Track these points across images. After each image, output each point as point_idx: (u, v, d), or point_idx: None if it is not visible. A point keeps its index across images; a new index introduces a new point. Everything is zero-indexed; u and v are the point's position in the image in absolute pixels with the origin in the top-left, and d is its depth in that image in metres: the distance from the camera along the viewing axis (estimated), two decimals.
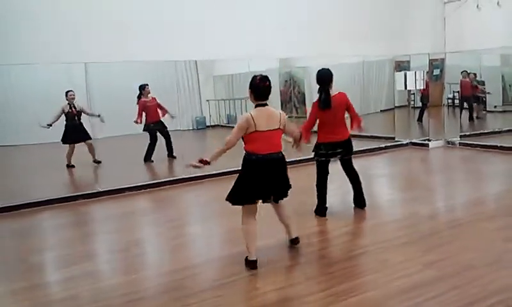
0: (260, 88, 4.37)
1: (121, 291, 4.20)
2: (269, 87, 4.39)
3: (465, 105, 13.19)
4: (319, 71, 5.69)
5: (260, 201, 4.55)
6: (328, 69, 5.73)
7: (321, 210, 6.00)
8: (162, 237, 5.82)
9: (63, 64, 8.76)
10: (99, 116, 9.33)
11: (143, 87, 9.72)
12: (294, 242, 4.90)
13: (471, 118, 13.18)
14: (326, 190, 6.00)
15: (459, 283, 3.89)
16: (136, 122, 9.60)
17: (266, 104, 4.40)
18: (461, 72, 12.76)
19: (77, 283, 4.43)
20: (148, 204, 7.65)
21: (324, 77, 5.64)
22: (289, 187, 4.68)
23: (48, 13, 8.84)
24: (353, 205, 6.23)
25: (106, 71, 9.54)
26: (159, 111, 9.84)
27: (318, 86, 5.68)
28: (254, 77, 4.40)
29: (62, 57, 8.54)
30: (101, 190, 7.81)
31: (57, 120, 9.11)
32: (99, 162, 9.54)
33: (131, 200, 7.63)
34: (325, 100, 5.58)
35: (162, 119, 9.92)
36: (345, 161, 6.07)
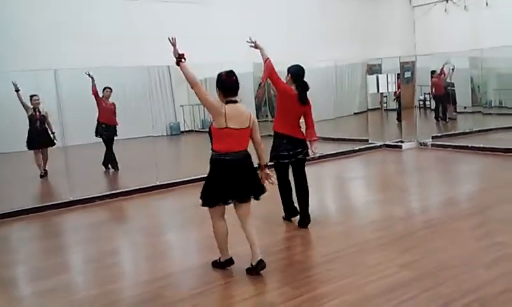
0: (227, 83, 4.26)
1: (97, 303, 4.10)
2: (237, 82, 4.27)
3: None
4: (293, 66, 5.56)
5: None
6: (300, 65, 5.60)
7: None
8: (137, 246, 5.71)
9: (32, 71, 8.61)
10: (53, 133, 9.20)
11: (103, 89, 9.60)
12: (257, 267, 4.31)
13: (444, 118, 13.43)
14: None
15: (435, 283, 3.93)
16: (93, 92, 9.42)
17: (236, 101, 4.27)
18: (431, 72, 13.00)
19: (52, 296, 4.30)
20: (121, 213, 7.52)
21: (302, 72, 5.52)
22: (261, 187, 4.46)
23: (20, 21, 8.71)
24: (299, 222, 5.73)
25: (76, 78, 9.38)
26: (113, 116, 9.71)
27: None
28: (219, 74, 4.29)
29: (32, 64, 8.39)
30: (73, 199, 7.63)
31: (21, 101, 8.85)
32: (45, 174, 9.39)
33: (103, 209, 7.48)
34: (304, 96, 5.44)
35: (116, 126, 9.76)
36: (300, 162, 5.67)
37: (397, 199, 6.95)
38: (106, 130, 9.62)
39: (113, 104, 9.71)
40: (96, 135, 9.68)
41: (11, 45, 8.50)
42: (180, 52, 4.21)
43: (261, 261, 4.32)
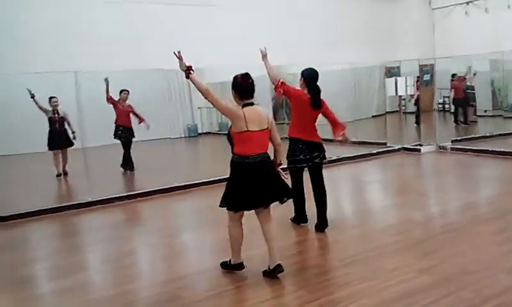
0: (243, 86, 4.24)
1: (114, 303, 4.13)
2: (253, 84, 4.26)
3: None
4: (306, 69, 5.52)
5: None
6: (314, 68, 5.56)
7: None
8: (154, 247, 5.74)
9: (54, 73, 8.74)
10: (73, 132, 9.37)
11: (120, 91, 9.67)
12: (274, 271, 4.30)
13: (465, 121, 13.22)
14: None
15: (455, 288, 3.87)
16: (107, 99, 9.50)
17: (253, 103, 4.27)
18: (452, 75, 12.82)
19: (69, 295, 4.35)
20: (139, 213, 7.57)
21: (315, 75, 5.47)
22: (288, 189, 4.50)
23: (41, 23, 8.86)
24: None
25: (96, 80, 9.49)
26: (132, 117, 9.75)
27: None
28: (235, 77, 4.27)
29: (53, 67, 8.52)
30: (91, 200, 7.71)
31: (38, 105, 9.01)
32: (65, 174, 9.48)
33: (121, 210, 7.55)
34: (317, 100, 5.39)
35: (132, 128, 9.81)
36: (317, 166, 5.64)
37: (415, 203, 6.86)
38: (124, 132, 9.71)
39: (130, 106, 9.78)
40: (114, 138, 9.78)
41: (29, 46, 8.65)
42: (188, 64, 4.18)
43: (279, 265, 4.30)
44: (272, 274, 4.31)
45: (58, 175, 9.54)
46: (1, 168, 9.29)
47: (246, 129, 4.16)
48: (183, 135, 14.72)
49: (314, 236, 5.53)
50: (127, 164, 9.81)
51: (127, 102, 9.77)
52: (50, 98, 9.26)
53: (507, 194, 7.02)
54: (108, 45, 9.27)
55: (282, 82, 5.43)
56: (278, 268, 4.29)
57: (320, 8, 11.89)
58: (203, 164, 11.53)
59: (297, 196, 5.63)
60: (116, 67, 9.14)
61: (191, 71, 4.18)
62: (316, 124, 5.61)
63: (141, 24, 9.79)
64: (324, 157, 5.64)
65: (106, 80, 9.08)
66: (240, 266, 4.47)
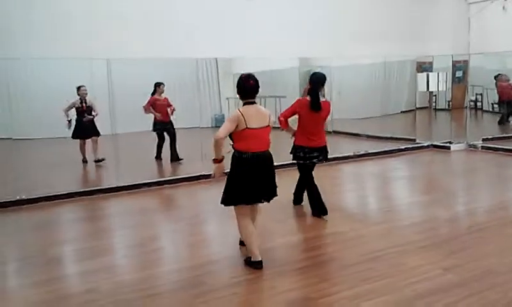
0: (244, 87, 4.39)
1: (139, 285, 4.23)
2: (254, 85, 4.38)
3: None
4: (314, 73, 5.87)
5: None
6: (323, 73, 5.90)
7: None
8: (179, 233, 5.84)
9: (86, 59, 8.90)
10: (96, 114, 9.50)
11: (158, 85, 9.73)
12: (254, 264, 4.42)
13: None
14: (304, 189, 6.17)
15: (480, 289, 3.82)
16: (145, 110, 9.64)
17: (254, 102, 4.42)
18: (496, 76, 12.41)
19: (95, 276, 4.46)
20: (165, 200, 7.70)
21: (320, 79, 5.73)
22: (276, 186, 4.66)
23: (72, 10, 9.00)
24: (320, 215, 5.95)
25: (128, 68, 9.61)
26: (168, 109, 9.83)
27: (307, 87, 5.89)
28: (240, 77, 4.43)
29: (85, 53, 8.66)
30: (119, 185, 7.86)
31: (68, 111, 9.24)
32: (100, 161, 9.55)
33: (148, 196, 7.68)
34: (316, 102, 5.63)
35: (172, 119, 9.88)
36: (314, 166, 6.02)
37: (442, 201, 6.75)
38: (165, 126, 9.76)
39: (166, 98, 9.82)
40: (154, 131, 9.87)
41: (63, 31, 8.78)
42: (216, 160, 4.46)
43: (260, 262, 4.42)
44: (253, 265, 4.43)
45: (84, 161, 9.64)
46: (31, 152, 9.56)
47: (245, 127, 4.29)
48: (210, 125, 14.83)
49: (337, 229, 5.52)
50: (174, 155, 9.85)
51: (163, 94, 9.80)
52: (79, 87, 9.34)
53: None
54: (138, 33, 9.35)
55: (280, 115, 5.84)
56: (259, 265, 4.41)
57: (352, 1, 11.74)
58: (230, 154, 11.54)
59: (309, 190, 5.97)
60: (146, 55, 9.22)
61: (218, 161, 4.46)
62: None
63: (171, 12, 9.85)
64: (324, 159, 5.99)
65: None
66: (257, 264, 4.43)
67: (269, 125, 4.45)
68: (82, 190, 7.75)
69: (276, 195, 4.65)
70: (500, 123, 12.63)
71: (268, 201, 4.63)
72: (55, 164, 9.66)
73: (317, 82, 5.69)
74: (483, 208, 6.39)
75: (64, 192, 7.49)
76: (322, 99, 5.73)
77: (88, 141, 9.62)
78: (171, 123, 9.85)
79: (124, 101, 9.28)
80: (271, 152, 4.56)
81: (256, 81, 4.40)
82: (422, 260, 4.46)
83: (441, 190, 7.46)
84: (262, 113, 4.42)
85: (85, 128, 9.43)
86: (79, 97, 9.40)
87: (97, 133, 9.54)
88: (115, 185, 7.87)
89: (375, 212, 6.49)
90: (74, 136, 9.49)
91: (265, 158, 4.46)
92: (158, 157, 9.99)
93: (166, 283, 4.33)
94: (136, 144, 10.69)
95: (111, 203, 7.39)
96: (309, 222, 5.91)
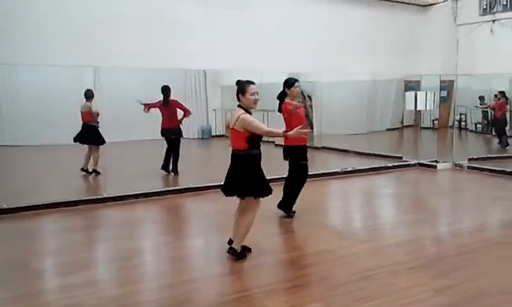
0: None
1: (123, 302, 4.09)
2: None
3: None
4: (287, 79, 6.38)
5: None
6: (291, 78, 6.40)
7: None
8: (167, 248, 5.70)
9: (73, 67, 8.77)
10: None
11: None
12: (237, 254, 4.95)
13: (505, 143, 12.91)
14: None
15: None
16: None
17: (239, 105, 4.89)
18: (496, 94, 12.58)
19: (78, 291, 4.31)
20: (153, 213, 7.53)
21: (285, 83, 6.35)
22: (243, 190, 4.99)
23: (60, 17, 8.87)
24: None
25: (115, 76, 9.51)
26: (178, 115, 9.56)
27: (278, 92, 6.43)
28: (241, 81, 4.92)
29: (72, 61, 8.54)
30: (107, 196, 7.72)
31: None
32: (88, 172, 9.32)
33: (136, 208, 7.52)
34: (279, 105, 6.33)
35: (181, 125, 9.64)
36: None
37: (430, 220, 6.75)
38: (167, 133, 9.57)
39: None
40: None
41: (50, 37, 8.64)
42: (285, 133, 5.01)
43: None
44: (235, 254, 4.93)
45: (82, 169, 9.38)
46: (17, 159, 9.35)
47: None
48: (196, 136, 14.73)
49: (326, 248, 5.45)
50: (170, 164, 9.63)
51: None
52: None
53: None
54: (127, 41, 9.26)
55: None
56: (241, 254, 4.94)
57: (344, 19, 11.85)
58: (211, 167, 11.39)
59: (299, 188, 6.50)
60: (135, 64, 9.13)
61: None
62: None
63: (162, 22, 9.79)
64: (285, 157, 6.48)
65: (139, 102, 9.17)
66: (247, 249, 5.03)
67: (232, 127, 4.82)
68: (69, 200, 7.47)
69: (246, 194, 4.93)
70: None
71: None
72: (42, 171, 9.46)
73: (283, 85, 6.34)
74: (470, 229, 6.39)
75: (51, 202, 7.28)
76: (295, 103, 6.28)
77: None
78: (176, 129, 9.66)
79: (111, 110, 9.18)
80: None
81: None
82: (412, 281, 4.41)
83: (429, 210, 7.48)
84: (233, 116, 4.88)
85: (85, 132, 9.24)
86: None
87: (95, 143, 9.29)
88: (103, 196, 7.72)
89: (362, 230, 6.44)
90: (75, 139, 9.24)
91: (232, 157, 4.90)
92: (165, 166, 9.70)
93: (153, 300, 4.19)
94: (121, 155, 10.54)
95: (98, 214, 7.20)
96: (297, 239, 5.87)
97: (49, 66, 8.49)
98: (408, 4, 12.94)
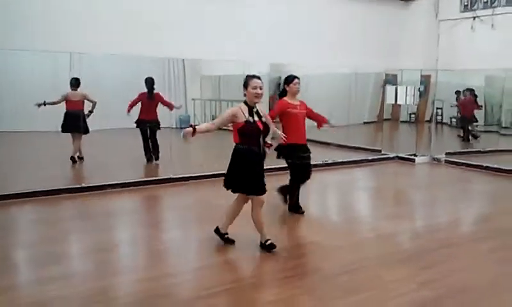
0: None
1: (100, 296, 3.95)
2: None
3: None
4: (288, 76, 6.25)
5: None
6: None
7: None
8: (147, 240, 5.56)
9: (49, 53, 8.52)
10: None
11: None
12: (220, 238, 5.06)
13: (467, 138, 13.16)
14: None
15: (458, 305, 3.82)
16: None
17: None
18: (464, 91, 12.76)
19: (53, 285, 4.12)
20: (133, 204, 7.37)
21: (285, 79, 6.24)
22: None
23: (38, 2, 8.62)
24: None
25: (91, 63, 9.28)
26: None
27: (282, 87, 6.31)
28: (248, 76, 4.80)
29: (48, 46, 8.30)
30: (85, 185, 7.52)
31: (54, 103, 8.81)
32: (74, 161, 9.12)
33: (115, 198, 7.34)
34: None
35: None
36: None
37: (409, 214, 6.85)
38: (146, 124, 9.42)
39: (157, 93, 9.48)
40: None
41: (30, 24, 8.39)
42: (191, 126, 4.51)
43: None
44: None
45: (71, 158, 9.11)
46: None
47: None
48: (174, 126, 14.54)
49: (312, 239, 5.48)
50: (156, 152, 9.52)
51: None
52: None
53: (501, 211, 7.04)
54: (107, 27, 9.05)
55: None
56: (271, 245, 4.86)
57: (326, 12, 11.86)
58: (190, 158, 11.29)
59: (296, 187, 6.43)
60: (115, 51, 8.92)
61: (196, 128, 4.51)
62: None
63: (142, 9, 9.60)
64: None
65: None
66: (230, 240, 5.07)
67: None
68: (45, 189, 7.21)
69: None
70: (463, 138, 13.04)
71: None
72: (20, 160, 9.17)
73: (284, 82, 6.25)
74: (450, 223, 6.46)
75: (27, 191, 7.03)
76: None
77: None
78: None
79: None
80: None
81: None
82: (398, 274, 4.43)
83: (408, 203, 7.55)
84: None
85: (69, 121, 9.04)
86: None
87: (79, 130, 9.11)
88: (81, 185, 7.53)
89: (345, 223, 6.45)
90: (62, 129, 9.09)
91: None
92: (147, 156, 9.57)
93: (132, 293, 4.06)
94: (100, 144, 10.31)
95: (76, 204, 6.98)
96: (284, 231, 5.85)
97: (21, 51, 8.22)
98: None
